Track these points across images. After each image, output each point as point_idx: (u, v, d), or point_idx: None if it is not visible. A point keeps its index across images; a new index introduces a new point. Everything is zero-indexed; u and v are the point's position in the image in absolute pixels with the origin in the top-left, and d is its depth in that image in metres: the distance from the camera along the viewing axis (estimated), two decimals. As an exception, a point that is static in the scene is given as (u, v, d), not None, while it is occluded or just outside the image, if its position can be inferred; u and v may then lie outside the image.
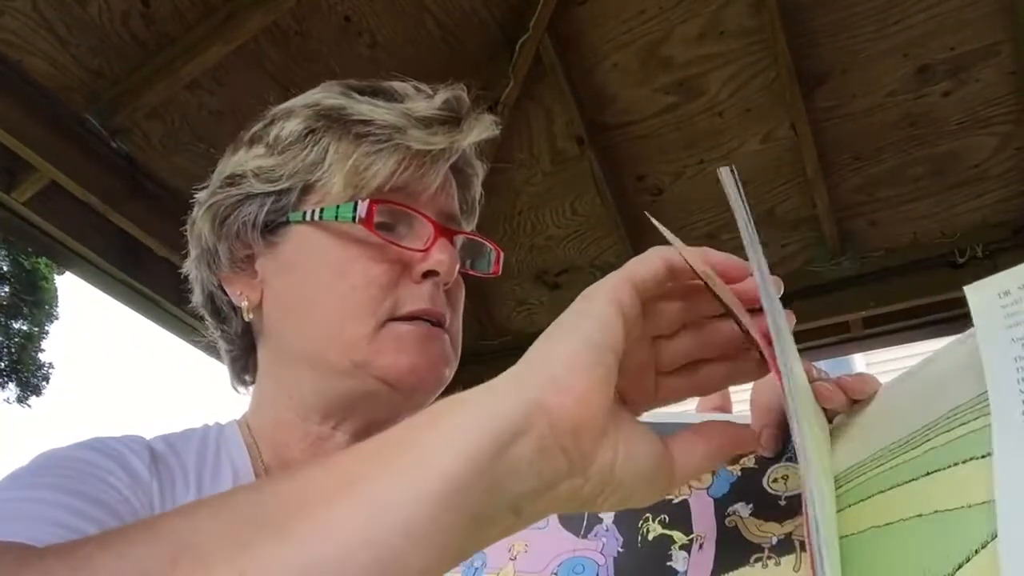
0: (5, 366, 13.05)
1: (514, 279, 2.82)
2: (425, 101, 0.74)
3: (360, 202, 0.70)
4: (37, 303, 13.04)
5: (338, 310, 0.69)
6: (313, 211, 0.71)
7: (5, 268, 12.79)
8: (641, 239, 2.67)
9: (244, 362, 0.79)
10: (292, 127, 0.74)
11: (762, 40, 2.29)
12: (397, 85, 0.78)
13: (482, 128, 0.75)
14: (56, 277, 13.23)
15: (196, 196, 0.80)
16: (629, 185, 2.60)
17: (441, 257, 0.71)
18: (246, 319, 0.76)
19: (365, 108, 0.72)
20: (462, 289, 0.77)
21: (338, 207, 0.70)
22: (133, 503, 0.65)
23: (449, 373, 0.75)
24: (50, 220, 1.96)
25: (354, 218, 0.69)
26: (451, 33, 2.30)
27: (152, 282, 2.14)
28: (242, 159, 0.75)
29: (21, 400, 13.30)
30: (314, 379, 0.72)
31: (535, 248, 2.76)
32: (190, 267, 0.80)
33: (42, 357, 13.46)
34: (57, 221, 1.96)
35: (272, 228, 0.74)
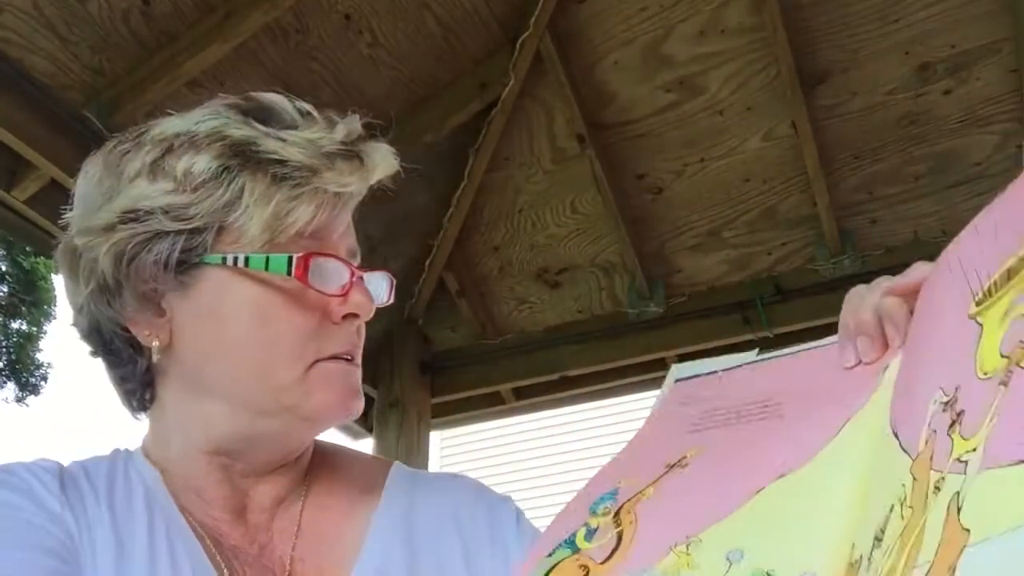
0: (3, 366, 13.05)
1: (514, 277, 2.82)
2: (324, 132, 0.72)
3: (294, 256, 0.69)
4: (36, 303, 13.04)
5: (265, 357, 0.70)
6: (236, 257, 0.70)
7: (4, 267, 12.79)
8: (641, 237, 2.67)
9: (141, 394, 0.77)
10: (204, 163, 0.70)
11: (763, 38, 2.29)
12: (277, 103, 0.75)
13: (387, 165, 0.75)
14: (55, 277, 13.21)
15: (69, 221, 0.78)
16: (629, 183, 2.59)
17: (359, 299, 0.73)
18: (155, 359, 0.74)
19: (273, 144, 0.71)
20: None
21: (268, 258, 0.69)
22: (59, 536, 0.67)
23: (362, 403, 0.77)
24: (50, 218, 1.95)
25: (289, 271, 0.69)
26: (451, 31, 2.30)
27: (152, 281, 2.13)
28: (145, 192, 0.71)
29: (19, 400, 13.29)
30: (231, 417, 0.73)
31: (535, 247, 2.75)
32: (79, 299, 0.75)
33: (40, 357, 13.46)
34: (57, 219, 1.96)
35: (184, 269, 0.71)
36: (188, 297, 0.72)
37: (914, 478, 0.44)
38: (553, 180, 2.64)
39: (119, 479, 0.74)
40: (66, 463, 0.76)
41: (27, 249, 11.47)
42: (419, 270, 2.75)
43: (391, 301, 0.79)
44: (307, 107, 0.75)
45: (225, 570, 0.71)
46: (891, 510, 0.44)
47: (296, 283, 0.70)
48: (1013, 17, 2.16)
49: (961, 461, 0.40)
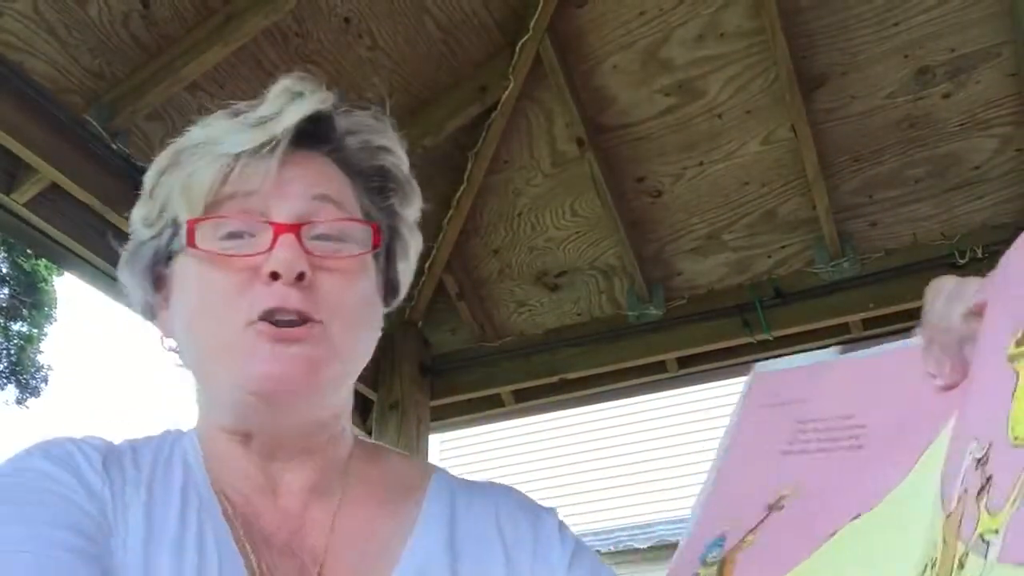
0: (4, 368, 13.05)
1: (514, 280, 2.82)
2: (265, 103, 0.74)
3: (183, 225, 0.72)
4: (36, 305, 13.04)
5: (203, 324, 0.72)
6: (176, 243, 0.75)
7: (4, 270, 12.79)
8: (641, 240, 2.67)
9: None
10: (153, 172, 0.77)
11: (762, 42, 2.29)
12: (274, 89, 0.75)
13: (303, 107, 0.73)
14: (55, 279, 13.23)
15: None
16: (629, 187, 2.60)
17: (280, 255, 0.69)
18: (165, 350, 0.79)
19: (205, 132, 0.74)
20: (352, 282, 0.74)
21: (178, 238, 0.74)
22: (93, 515, 0.67)
23: (327, 373, 0.71)
24: (50, 221, 1.96)
25: (186, 241, 0.72)
26: (451, 35, 2.30)
27: (152, 284, 2.14)
28: (133, 212, 0.79)
29: (20, 402, 13.29)
30: (215, 395, 0.75)
31: (535, 249, 2.76)
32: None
33: (41, 359, 13.46)
34: (57, 222, 1.96)
35: (167, 264, 0.77)
36: (173, 289, 0.76)
37: (944, 541, 0.42)
38: (552, 183, 2.65)
39: (162, 461, 0.75)
40: (117, 441, 0.78)
41: (28, 251, 11.48)
42: (419, 272, 2.74)
43: (377, 248, 0.76)
44: (295, 85, 0.75)
45: (252, 556, 0.70)
46: (924, 570, 0.43)
47: (214, 249, 0.71)
48: (1012, 21, 2.17)
49: (984, 540, 0.38)
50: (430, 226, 2.69)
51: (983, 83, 2.27)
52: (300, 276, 0.69)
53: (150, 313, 0.80)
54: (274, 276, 0.69)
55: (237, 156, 0.71)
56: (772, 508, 0.59)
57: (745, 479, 0.64)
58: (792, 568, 0.52)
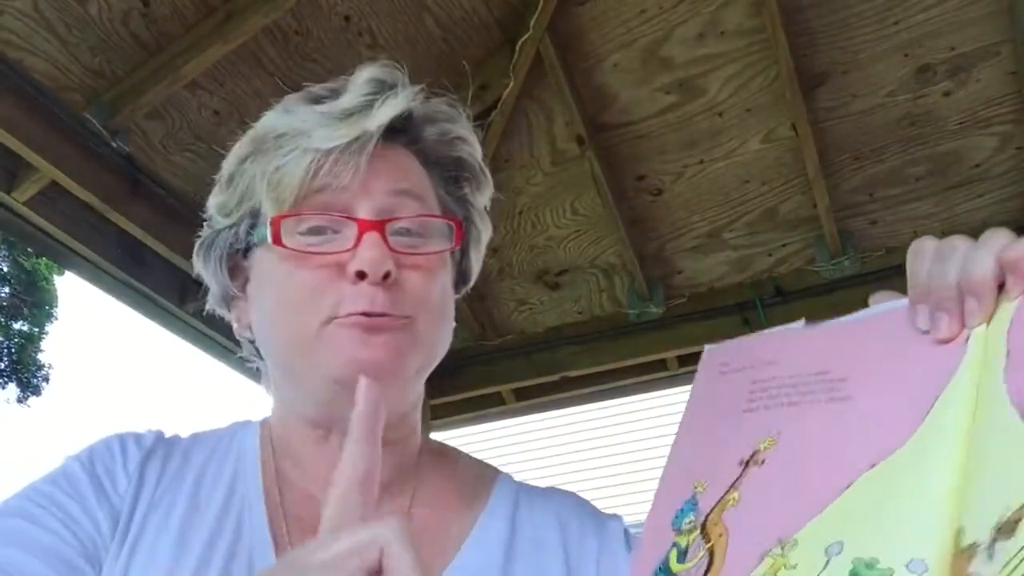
0: (5, 367, 13.06)
1: (514, 279, 2.82)
2: (351, 92, 0.73)
3: (267, 223, 0.71)
4: (37, 304, 13.05)
5: (286, 318, 0.71)
6: (257, 235, 0.74)
7: (5, 268, 12.80)
8: (641, 239, 2.67)
9: (265, 370, 0.82)
10: (232, 159, 0.76)
11: (762, 40, 2.29)
12: (356, 77, 0.75)
13: (396, 104, 0.73)
14: (56, 278, 13.24)
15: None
16: (629, 185, 2.60)
17: (367, 255, 0.68)
18: (238, 338, 0.80)
19: (287, 120, 0.73)
20: (435, 277, 0.74)
21: (263, 229, 0.72)
22: (89, 530, 0.68)
23: (413, 361, 0.71)
24: (50, 220, 1.96)
25: (270, 237, 0.70)
26: (451, 33, 2.30)
27: (152, 282, 2.14)
28: (210, 199, 0.79)
29: (21, 400, 13.31)
30: (296, 388, 0.74)
31: (535, 248, 2.76)
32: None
33: (42, 358, 13.47)
34: (57, 221, 1.96)
35: (246, 255, 0.76)
36: (253, 279, 0.76)
37: None
38: (553, 182, 2.64)
39: (218, 455, 0.76)
40: (184, 434, 0.80)
41: (28, 250, 11.48)
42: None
43: (456, 244, 0.75)
44: (381, 75, 0.75)
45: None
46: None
47: (298, 246, 0.70)
48: (1012, 19, 2.16)
49: None
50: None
51: (983, 81, 2.27)
52: (386, 275, 0.69)
53: (225, 302, 0.79)
54: (360, 275, 0.69)
55: (328, 152, 0.70)
56: (749, 463, 0.57)
57: (706, 442, 0.62)
58: (801, 523, 0.50)
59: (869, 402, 0.54)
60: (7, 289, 12.91)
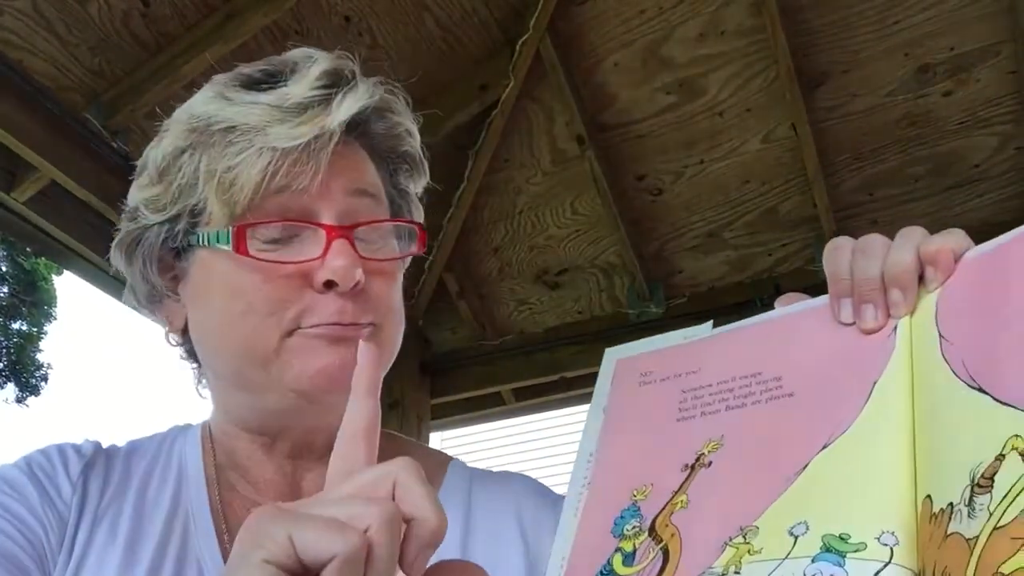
0: (3, 366, 13.05)
1: (514, 279, 2.82)
2: (302, 83, 0.68)
3: (230, 229, 0.66)
4: (36, 303, 13.05)
5: (242, 329, 0.67)
6: (202, 236, 0.69)
7: (4, 268, 12.80)
8: (641, 239, 2.67)
9: (199, 372, 0.78)
10: (165, 148, 0.70)
11: (762, 40, 2.29)
12: (289, 59, 0.71)
13: (356, 98, 0.69)
14: (55, 278, 13.24)
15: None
16: (629, 185, 2.59)
17: (337, 264, 0.65)
18: (171, 344, 0.75)
19: (232, 111, 0.67)
20: (391, 279, 0.72)
21: (217, 233, 0.67)
22: (34, 527, 0.66)
23: (382, 369, 0.68)
24: (50, 220, 1.96)
25: (231, 245, 0.66)
26: (451, 33, 2.30)
27: (152, 282, 2.14)
28: (134, 191, 0.73)
29: (19, 400, 13.30)
30: (243, 398, 0.71)
31: (535, 248, 2.76)
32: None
33: (40, 357, 13.47)
34: (57, 221, 1.97)
35: (180, 254, 0.71)
36: (188, 281, 0.72)
37: None
38: (553, 181, 2.64)
39: (159, 463, 0.74)
40: (121, 442, 0.77)
41: (27, 250, 11.48)
42: (419, 271, 2.75)
43: (419, 250, 0.74)
44: (315, 55, 0.71)
45: None
46: (1001, 458, 0.43)
47: (263, 255, 0.66)
48: (1012, 19, 2.16)
49: None
50: (430, 225, 2.68)
51: (983, 81, 2.27)
52: (355, 283, 0.66)
53: (151, 303, 0.74)
54: (328, 284, 0.66)
55: (286, 152, 0.65)
56: (695, 466, 0.56)
57: (638, 451, 0.60)
58: (760, 509, 0.51)
59: (809, 395, 0.56)
60: (6, 289, 12.91)
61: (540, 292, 2.82)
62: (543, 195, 2.67)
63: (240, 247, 0.66)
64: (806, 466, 0.51)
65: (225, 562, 0.67)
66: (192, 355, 0.76)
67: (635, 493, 0.58)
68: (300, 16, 2.06)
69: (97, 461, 0.72)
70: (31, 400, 13.37)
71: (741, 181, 2.52)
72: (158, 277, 0.72)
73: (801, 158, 2.40)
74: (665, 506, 0.56)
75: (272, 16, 1.96)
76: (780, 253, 2.59)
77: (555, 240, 2.73)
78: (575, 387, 2.88)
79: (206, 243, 0.68)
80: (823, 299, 0.60)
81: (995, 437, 0.44)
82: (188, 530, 0.69)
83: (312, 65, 0.69)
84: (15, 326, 13.13)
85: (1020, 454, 0.43)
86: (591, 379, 2.62)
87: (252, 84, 0.70)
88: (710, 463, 0.56)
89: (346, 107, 0.68)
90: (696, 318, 2.77)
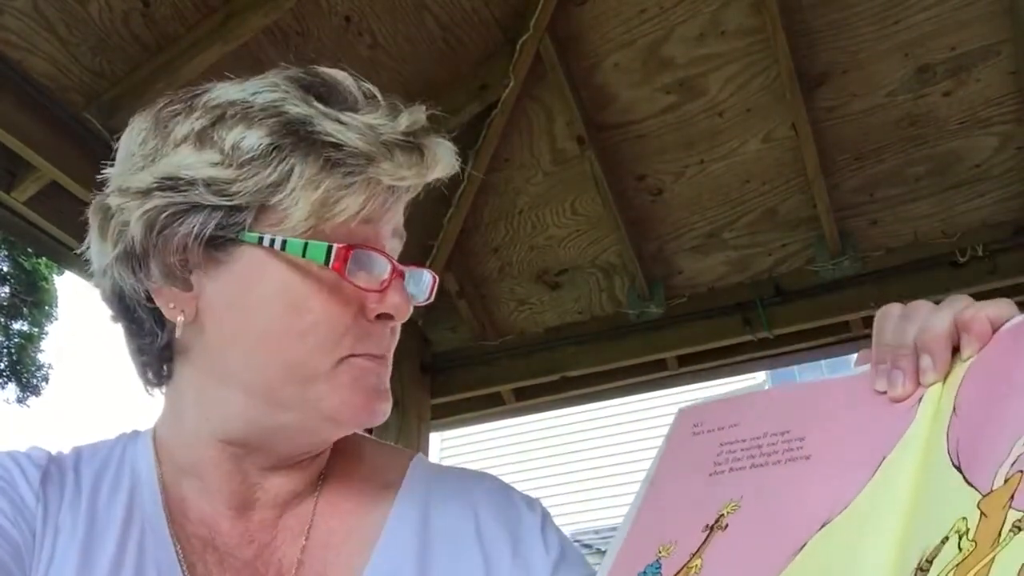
0: (4, 367, 13.06)
1: (514, 279, 2.82)
2: (386, 119, 0.68)
3: (334, 246, 0.65)
4: (37, 304, 13.05)
5: (296, 347, 0.66)
6: (273, 239, 0.66)
7: (5, 268, 12.80)
8: (641, 239, 2.67)
9: (158, 369, 0.74)
10: (255, 139, 0.66)
11: (763, 40, 2.29)
12: (341, 81, 0.72)
13: (447, 163, 0.72)
14: (56, 278, 13.24)
15: (109, 177, 0.73)
16: (629, 185, 2.60)
17: (396, 301, 0.70)
18: (178, 334, 0.70)
19: (331, 126, 0.66)
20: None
21: (306, 244, 0.65)
22: (14, 536, 0.65)
23: (389, 406, 0.72)
24: (50, 219, 1.96)
25: (327, 261, 0.65)
26: (451, 33, 2.30)
27: (152, 282, 2.14)
28: (189, 161, 0.67)
29: (20, 401, 13.30)
30: (249, 407, 0.69)
31: (535, 248, 2.76)
32: (104, 260, 0.71)
33: (41, 358, 13.47)
34: (57, 221, 1.97)
35: (218, 244, 0.67)
36: (220, 275, 0.68)
37: (983, 513, 0.43)
38: (553, 181, 2.64)
39: (110, 471, 0.72)
40: (66, 450, 0.74)
41: (28, 250, 11.48)
42: (419, 271, 2.75)
43: (431, 299, 0.77)
44: (371, 89, 0.73)
45: None
46: (945, 541, 0.44)
47: (333, 274, 0.66)
48: (1013, 19, 2.16)
49: None
50: (430, 224, 2.69)
51: (983, 81, 2.27)
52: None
53: (164, 280, 0.68)
54: (381, 317, 0.70)
55: (385, 188, 0.68)
56: (714, 528, 0.57)
57: (673, 504, 0.63)
58: None
59: (823, 461, 0.56)
60: (7, 289, 12.91)
61: (540, 292, 2.82)
62: (543, 195, 2.67)
63: (339, 267, 0.66)
64: (804, 545, 0.51)
65: (182, 570, 0.66)
66: (163, 348, 0.72)
67: (661, 549, 0.59)
68: (300, 16, 2.06)
69: (51, 470, 0.70)
70: (32, 400, 13.38)
71: (741, 181, 2.52)
72: (177, 258, 0.68)
73: (801, 158, 2.40)
74: (681, 569, 0.57)
75: (272, 16, 1.96)
76: (780, 253, 2.59)
77: (555, 240, 2.73)
78: (575, 387, 2.88)
79: (273, 245, 0.66)
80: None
81: (947, 519, 0.45)
82: (144, 537, 0.68)
83: (380, 104, 0.71)
84: (16, 326, 13.14)
85: (959, 536, 0.43)
86: (591, 379, 2.63)
87: (320, 97, 0.70)
88: (726, 526, 0.57)
89: (441, 166, 0.71)
90: (696, 318, 2.77)
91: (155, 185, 0.67)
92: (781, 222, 2.55)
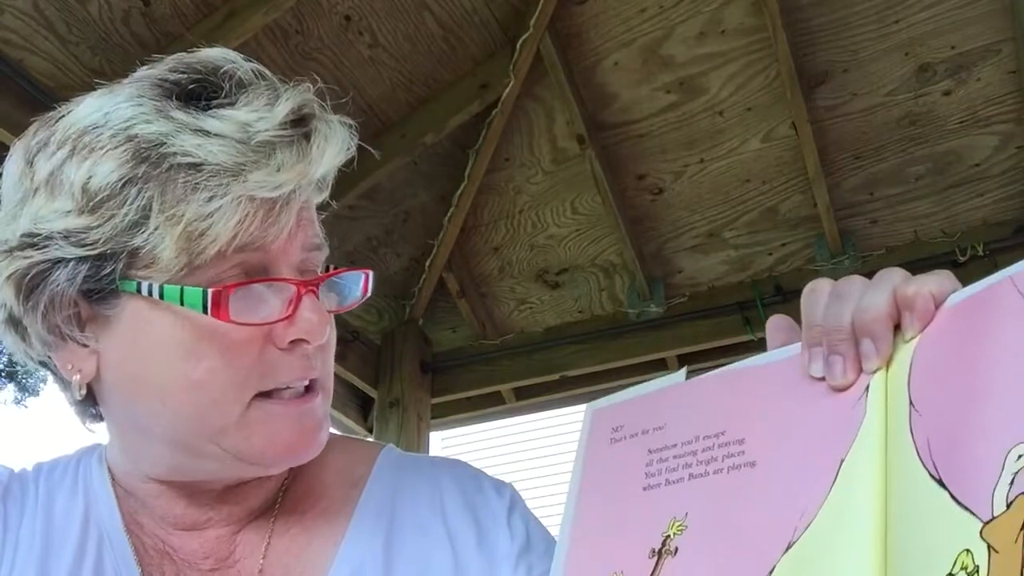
0: (2, 368, 13.05)
1: (514, 278, 2.82)
2: (264, 110, 0.60)
3: (209, 291, 0.58)
4: (37, 303, 13.04)
5: (197, 398, 0.60)
6: (150, 286, 0.59)
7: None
8: (641, 238, 2.67)
9: (90, 409, 0.69)
10: (103, 175, 0.58)
11: (763, 39, 2.29)
12: (219, 69, 0.63)
13: (336, 149, 0.62)
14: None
15: None
16: (630, 184, 2.59)
17: (309, 321, 0.61)
18: (77, 396, 0.65)
19: (190, 142, 0.58)
20: (333, 328, 0.66)
21: (182, 291, 0.58)
22: None
23: (324, 436, 0.66)
24: (50, 219, 1.96)
25: (205, 308, 0.58)
26: (452, 32, 2.30)
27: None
28: (41, 212, 0.60)
29: (18, 402, 13.30)
30: (171, 456, 0.64)
31: (535, 247, 2.76)
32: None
33: (41, 358, 13.48)
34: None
35: (98, 298, 0.61)
36: (111, 329, 0.62)
37: (992, 548, 0.38)
38: (553, 181, 2.64)
39: (66, 483, 0.70)
40: (29, 466, 0.73)
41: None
42: (419, 270, 2.75)
43: (367, 295, 0.69)
44: (258, 68, 0.64)
45: None
46: None
47: (249, 320, 0.60)
48: (1013, 18, 2.16)
49: None
50: (431, 223, 2.69)
51: (984, 80, 2.26)
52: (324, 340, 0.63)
53: (48, 348, 0.63)
54: (294, 342, 0.61)
55: (262, 201, 0.59)
56: (662, 553, 0.52)
57: (608, 526, 0.56)
58: None
59: (772, 468, 0.50)
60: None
61: (540, 291, 2.82)
62: (543, 194, 2.67)
63: (221, 313, 0.58)
64: (772, 571, 0.46)
65: None
66: (81, 400, 0.67)
67: None
68: (300, 15, 2.06)
69: (13, 487, 0.69)
70: (30, 401, 13.37)
71: (741, 180, 2.52)
72: (70, 324, 0.62)
73: (801, 157, 2.40)
74: None
75: (272, 15, 1.96)
76: (780, 252, 2.59)
77: (555, 239, 2.73)
78: (575, 387, 2.88)
79: (151, 294, 0.59)
80: (799, 347, 0.54)
81: (947, 551, 0.39)
82: (103, 546, 0.66)
83: (262, 91, 0.62)
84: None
85: (968, 574, 0.38)
86: (591, 379, 2.63)
87: (187, 98, 0.61)
88: (675, 550, 0.51)
89: (328, 158, 0.62)
90: (696, 318, 2.77)
91: (16, 244, 0.61)
92: (781, 221, 2.55)
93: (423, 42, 2.27)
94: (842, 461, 0.47)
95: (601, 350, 2.76)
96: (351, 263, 0.73)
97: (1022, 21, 2.15)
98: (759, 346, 2.67)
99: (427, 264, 2.72)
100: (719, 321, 2.63)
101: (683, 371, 0.60)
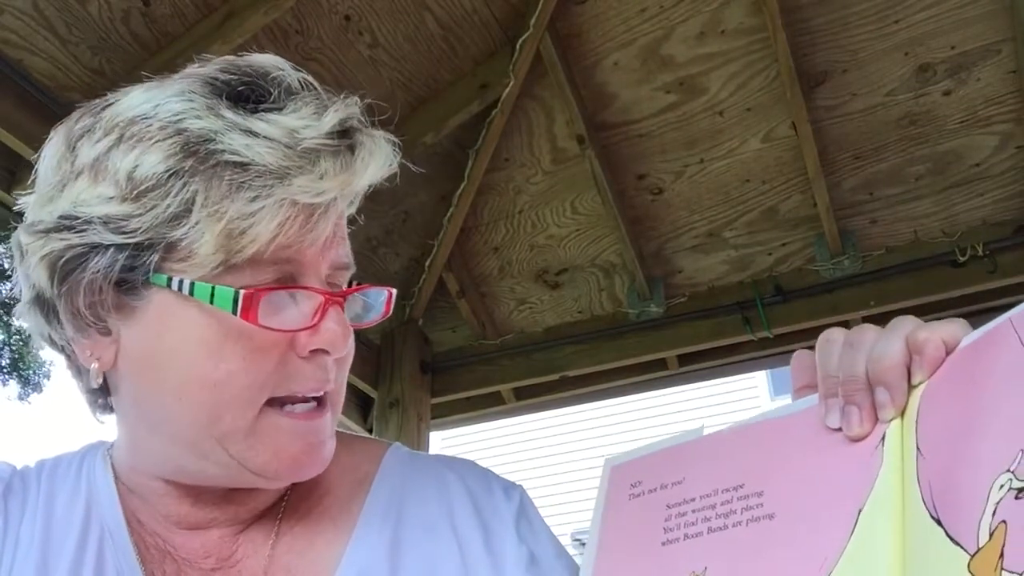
0: (6, 364, 13.06)
1: (514, 278, 2.82)
2: (312, 118, 0.60)
3: (241, 292, 0.58)
4: (37, 302, 13.07)
5: (212, 398, 0.60)
6: (181, 281, 0.59)
7: (6, 266, 12.82)
8: (641, 238, 2.67)
9: (102, 399, 0.69)
10: (149, 165, 0.59)
11: (763, 39, 2.29)
12: (268, 74, 0.64)
13: (380, 164, 0.63)
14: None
15: (22, 209, 0.66)
16: (629, 184, 2.59)
17: (332, 331, 0.61)
18: (94, 384, 0.66)
19: (238, 141, 0.58)
20: (353, 343, 0.67)
21: (213, 290, 0.58)
22: None
23: (330, 451, 0.66)
24: (50, 219, 1.96)
25: (235, 309, 0.58)
26: (452, 32, 2.30)
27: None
28: (83, 196, 0.61)
29: (22, 398, 13.32)
30: (178, 456, 0.64)
31: (535, 247, 2.76)
32: (21, 310, 0.66)
33: (43, 355, 13.49)
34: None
35: (127, 288, 0.61)
36: (134, 321, 0.62)
37: None
38: (553, 181, 2.64)
39: (68, 480, 0.70)
40: (32, 463, 0.73)
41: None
42: (419, 270, 2.75)
43: (388, 314, 0.69)
44: (307, 78, 0.65)
45: None
46: None
47: (272, 326, 0.60)
48: (1012, 18, 2.16)
49: None
50: (430, 223, 2.69)
51: (984, 80, 2.26)
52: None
53: (77, 332, 0.63)
54: (314, 351, 0.62)
55: (304, 207, 0.59)
56: None
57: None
58: None
59: (791, 519, 0.50)
60: (8, 286, 12.92)
61: (540, 291, 2.82)
62: (543, 194, 2.67)
63: (250, 315, 0.59)
64: None
65: (143, 574, 0.65)
66: (95, 389, 0.67)
67: None
68: (300, 15, 2.06)
69: (15, 484, 0.69)
70: (34, 397, 13.39)
71: (741, 180, 2.52)
72: (87, 303, 0.62)
73: (801, 157, 2.40)
74: None
75: (272, 15, 1.96)
76: (780, 252, 2.59)
77: (555, 239, 2.73)
78: (575, 387, 2.88)
79: (181, 289, 0.59)
80: (815, 399, 0.54)
81: None
82: (104, 543, 0.66)
83: (309, 100, 0.62)
84: (18, 323, 13.15)
85: None
86: (591, 379, 2.63)
87: (236, 99, 0.62)
88: None
89: (373, 169, 0.63)
90: (696, 318, 2.77)
91: (53, 225, 0.62)
92: (781, 221, 2.55)
93: (423, 42, 2.27)
94: (860, 511, 0.47)
95: (601, 350, 2.76)
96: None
97: (1022, 21, 2.15)
98: (759, 346, 2.67)
99: (427, 264, 2.72)
100: (719, 321, 2.63)
101: (701, 427, 0.60)
